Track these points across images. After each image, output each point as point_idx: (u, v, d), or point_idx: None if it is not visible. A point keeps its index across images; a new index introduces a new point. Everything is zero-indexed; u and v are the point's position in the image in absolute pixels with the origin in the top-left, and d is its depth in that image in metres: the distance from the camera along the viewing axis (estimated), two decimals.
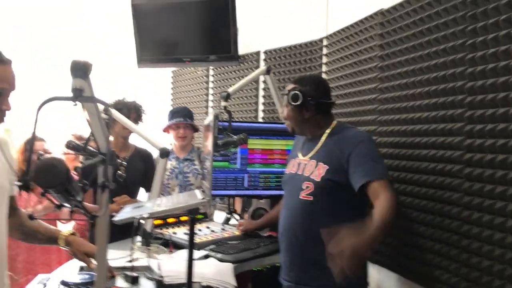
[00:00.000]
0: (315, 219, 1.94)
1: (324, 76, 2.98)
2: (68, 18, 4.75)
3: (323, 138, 2.04)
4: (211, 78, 4.25)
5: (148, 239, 2.35)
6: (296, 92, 1.98)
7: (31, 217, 0.99)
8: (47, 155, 3.07)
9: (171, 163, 3.22)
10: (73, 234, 1.62)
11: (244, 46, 3.76)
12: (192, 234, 1.48)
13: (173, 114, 3.25)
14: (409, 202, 2.05)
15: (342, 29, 2.76)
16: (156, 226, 2.55)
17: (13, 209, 1.50)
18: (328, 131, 2.04)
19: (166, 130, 3.27)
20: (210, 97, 4.26)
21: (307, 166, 2.03)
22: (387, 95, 2.27)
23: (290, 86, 2.08)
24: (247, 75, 3.69)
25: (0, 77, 1.34)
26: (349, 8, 2.78)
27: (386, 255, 2.22)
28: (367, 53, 2.50)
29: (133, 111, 2.96)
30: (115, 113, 2.47)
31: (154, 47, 3.90)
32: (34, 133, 0.99)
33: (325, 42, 3.01)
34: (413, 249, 2.03)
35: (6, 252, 1.47)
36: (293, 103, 2.00)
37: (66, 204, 1.02)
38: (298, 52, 3.24)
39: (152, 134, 2.59)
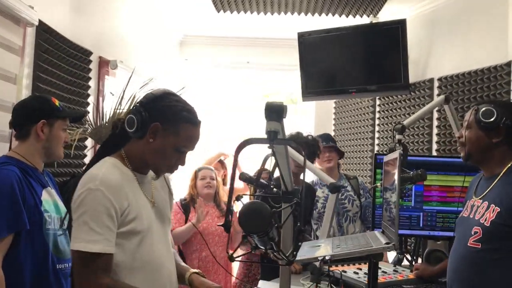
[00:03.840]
0: (483, 270, 1.68)
1: None
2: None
3: (501, 174, 1.73)
4: (377, 108, 4.10)
5: (319, 277, 2.29)
6: (490, 108, 1.71)
7: (231, 258, 1.00)
8: (214, 182, 3.32)
9: (322, 191, 3.18)
10: (196, 273, 1.60)
11: (415, 74, 3.56)
12: (374, 280, 1.38)
13: None
14: None
15: None
16: (325, 262, 2.49)
17: None
18: (509, 165, 1.73)
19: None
20: (377, 128, 4.10)
21: (479, 209, 1.77)
22: None
23: (474, 107, 1.83)
24: (418, 104, 3.51)
25: (191, 138, 1.41)
26: None
27: None
28: None
29: (305, 147, 2.98)
30: (290, 149, 2.51)
31: (318, 78, 3.94)
32: (233, 176, 1.01)
33: None
34: None
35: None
36: (484, 120, 1.72)
37: (261, 246, 1.02)
38: (479, 78, 2.94)
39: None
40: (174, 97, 1.42)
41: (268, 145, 1.02)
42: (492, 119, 1.71)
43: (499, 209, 1.67)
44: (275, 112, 1.03)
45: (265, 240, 0.99)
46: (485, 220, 1.71)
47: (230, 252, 1.03)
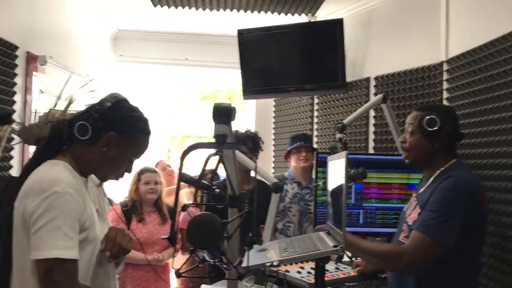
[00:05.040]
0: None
1: (445, 103, 2.75)
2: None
3: (433, 177, 1.81)
4: (316, 107, 4.15)
5: (263, 278, 2.26)
6: (434, 117, 1.77)
7: (178, 274, 0.93)
8: (158, 187, 3.19)
9: (292, 187, 3.19)
10: None
11: (352, 73, 3.63)
12: (322, 282, 1.36)
13: (294, 139, 3.26)
14: None
15: (467, 52, 2.53)
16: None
17: None
18: (442, 169, 1.80)
19: (287, 156, 3.30)
20: (315, 126, 4.15)
21: (411, 206, 1.86)
22: None
23: (417, 113, 1.88)
24: (355, 103, 3.58)
25: (144, 147, 1.40)
26: (473, 30, 2.55)
27: None
28: (501, 78, 2.24)
29: (249, 141, 2.96)
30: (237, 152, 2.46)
31: (258, 77, 3.91)
32: (178, 185, 0.94)
33: (445, 67, 2.79)
34: None
35: None
36: (428, 129, 1.78)
37: (209, 260, 0.96)
38: (414, 77, 3.04)
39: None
40: (129, 106, 1.40)
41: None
42: (436, 128, 1.76)
43: (419, 211, 1.75)
44: (223, 114, 0.97)
45: (215, 253, 0.92)
46: (410, 219, 1.80)
47: (176, 268, 0.96)
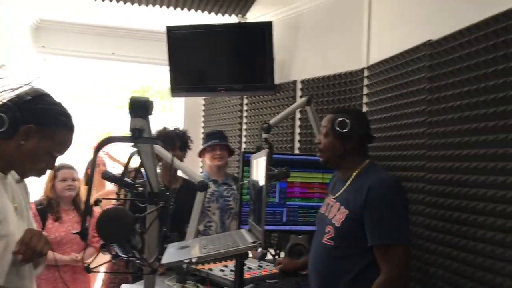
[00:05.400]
0: (334, 264, 1.86)
1: (364, 107, 2.89)
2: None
3: (351, 178, 1.93)
4: (245, 107, 4.19)
5: (184, 276, 2.26)
6: (345, 119, 1.89)
7: (88, 269, 0.90)
8: (76, 183, 3.06)
9: (209, 186, 3.20)
10: None
11: (280, 75, 3.71)
12: (241, 278, 1.39)
13: (208, 136, 3.26)
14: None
15: (385, 60, 2.68)
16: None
17: None
18: (358, 170, 1.93)
19: (201, 154, 3.26)
20: (244, 126, 4.19)
21: (332, 208, 1.96)
22: (437, 129, 2.17)
23: (331, 115, 1.99)
24: (283, 104, 3.66)
25: (66, 143, 1.36)
26: (392, 38, 2.71)
27: None
28: (414, 85, 2.40)
29: (177, 139, 2.93)
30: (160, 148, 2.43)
31: (188, 75, 3.89)
32: (91, 177, 0.92)
33: (366, 73, 2.93)
34: None
35: None
36: (339, 130, 1.90)
37: (123, 255, 0.94)
38: (337, 82, 3.17)
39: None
40: (51, 100, 1.35)
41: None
42: (346, 130, 1.88)
43: (347, 212, 1.84)
44: (140, 108, 0.96)
45: (127, 248, 0.91)
46: (336, 221, 1.87)
47: (87, 263, 0.94)
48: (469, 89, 1.97)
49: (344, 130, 1.89)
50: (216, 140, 3.20)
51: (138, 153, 0.99)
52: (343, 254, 1.84)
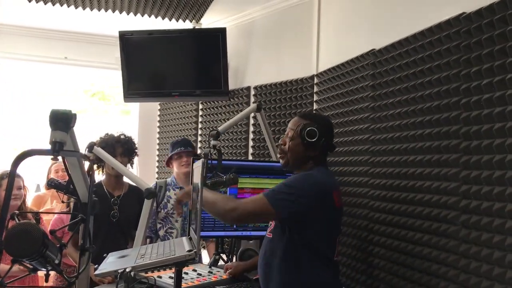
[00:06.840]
0: (271, 257, 1.93)
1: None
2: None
3: None
4: (200, 113, 4.19)
5: (131, 284, 2.23)
6: (314, 128, 1.92)
7: (2, 285, 0.89)
8: (21, 192, 2.97)
9: (175, 193, 3.18)
10: None
11: (234, 81, 3.74)
12: (179, 287, 1.39)
13: (174, 145, 3.24)
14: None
15: (333, 68, 2.75)
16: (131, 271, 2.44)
17: None
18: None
19: (169, 162, 3.27)
20: (199, 132, 4.19)
21: None
22: (380, 136, 2.24)
23: (301, 120, 2.01)
24: (237, 110, 3.69)
25: None
26: (339, 47, 2.78)
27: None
28: (359, 92, 2.47)
29: (119, 146, 2.90)
30: (100, 151, 2.40)
31: (142, 79, 3.86)
32: (10, 190, 0.91)
33: (316, 80, 2.99)
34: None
35: None
36: (307, 139, 1.93)
37: (41, 268, 0.93)
38: (288, 88, 3.22)
39: (139, 172, 2.52)
40: None
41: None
42: (314, 139, 1.92)
43: None
44: (61, 120, 0.95)
45: (42, 262, 0.91)
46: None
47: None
48: (408, 97, 2.05)
49: (312, 140, 1.93)
50: (182, 148, 3.19)
51: (64, 165, 0.98)
52: (276, 246, 1.92)
